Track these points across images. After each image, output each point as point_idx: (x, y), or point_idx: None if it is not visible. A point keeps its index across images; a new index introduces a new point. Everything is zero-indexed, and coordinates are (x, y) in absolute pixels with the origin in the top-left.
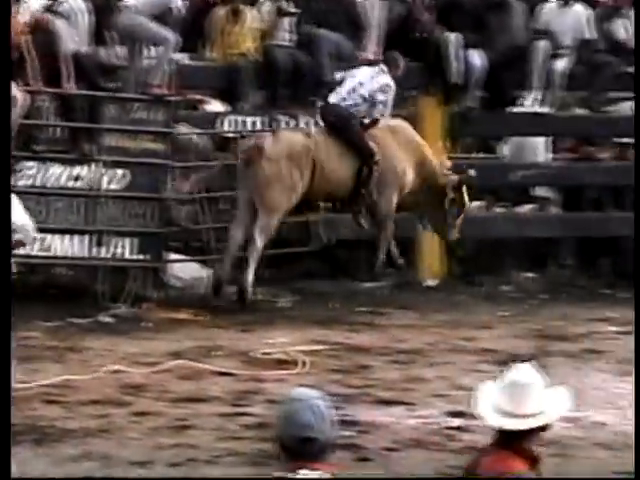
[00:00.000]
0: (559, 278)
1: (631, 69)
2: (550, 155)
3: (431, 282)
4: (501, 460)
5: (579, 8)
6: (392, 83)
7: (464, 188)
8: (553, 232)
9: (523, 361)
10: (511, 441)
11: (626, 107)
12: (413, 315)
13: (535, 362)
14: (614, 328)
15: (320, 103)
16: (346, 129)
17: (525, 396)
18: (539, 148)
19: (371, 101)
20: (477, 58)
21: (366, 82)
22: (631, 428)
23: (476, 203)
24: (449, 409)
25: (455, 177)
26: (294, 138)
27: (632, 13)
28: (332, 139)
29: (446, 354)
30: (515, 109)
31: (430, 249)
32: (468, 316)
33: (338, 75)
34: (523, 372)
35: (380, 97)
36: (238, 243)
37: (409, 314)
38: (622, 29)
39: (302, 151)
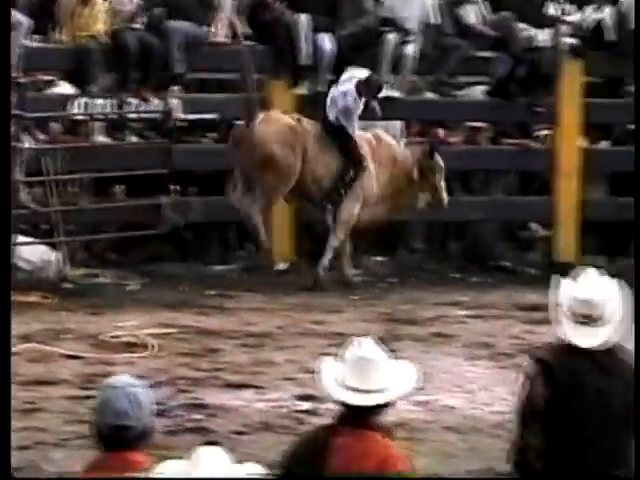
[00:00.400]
0: (409, 262)
1: (481, 53)
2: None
3: (281, 266)
4: (363, 438)
5: None
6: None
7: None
8: (402, 216)
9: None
10: (359, 418)
11: (476, 91)
12: (263, 298)
13: (383, 344)
14: (463, 312)
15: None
16: (343, 136)
17: (370, 371)
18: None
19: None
20: (327, 42)
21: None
22: (480, 412)
23: None
24: (298, 392)
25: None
26: (283, 120)
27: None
28: (322, 133)
29: (296, 337)
30: None
31: (280, 233)
32: (318, 300)
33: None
34: (367, 347)
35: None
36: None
37: (259, 297)
38: (472, 14)
39: (292, 133)
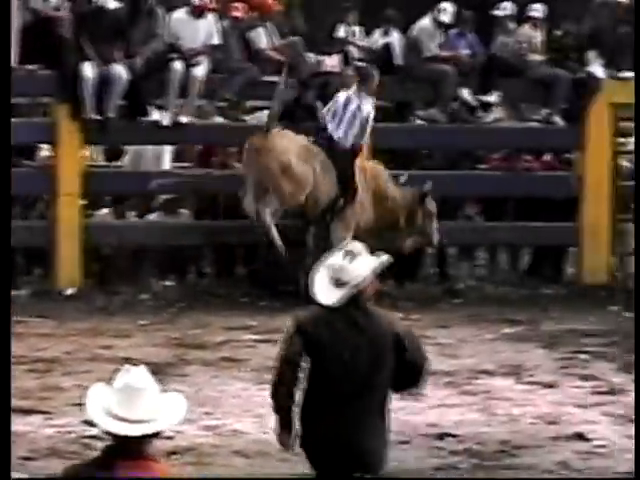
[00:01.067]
0: (198, 286)
1: (268, 78)
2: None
3: (69, 290)
4: (141, 468)
5: (210, 17)
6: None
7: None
8: (191, 240)
9: (136, 365)
10: (131, 448)
11: (262, 116)
12: (51, 323)
13: (171, 370)
14: (252, 336)
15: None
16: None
17: (138, 400)
18: (163, 157)
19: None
20: (117, 68)
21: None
22: (269, 436)
23: (105, 210)
24: (86, 418)
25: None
26: (297, 137)
27: (269, 24)
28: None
29: (84, 363)
30: (154, 118)
31: (67, 257)
32: (107, 324)
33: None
34: (136, 375)
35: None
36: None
37: (47, 322)
38: (263, 38)
39: (306, 149)
